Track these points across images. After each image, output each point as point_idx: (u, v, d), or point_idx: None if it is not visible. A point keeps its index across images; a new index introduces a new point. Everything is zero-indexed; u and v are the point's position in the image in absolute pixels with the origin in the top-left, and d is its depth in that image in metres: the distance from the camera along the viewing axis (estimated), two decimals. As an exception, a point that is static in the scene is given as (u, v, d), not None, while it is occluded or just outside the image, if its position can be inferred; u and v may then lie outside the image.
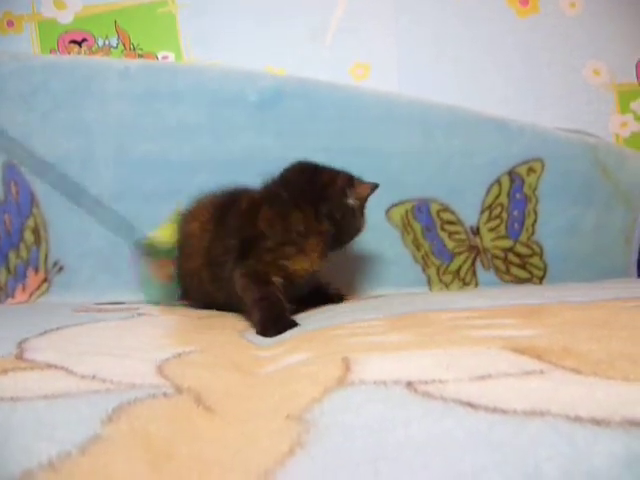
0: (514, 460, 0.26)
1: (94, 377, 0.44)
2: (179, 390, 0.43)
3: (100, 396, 0.39)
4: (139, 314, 0.94)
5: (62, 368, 0.47)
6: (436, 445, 0.28)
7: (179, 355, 0.58)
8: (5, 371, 0.44)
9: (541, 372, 0.42)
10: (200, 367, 0.54)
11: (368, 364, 0.47)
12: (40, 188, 1.35)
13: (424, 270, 1.49)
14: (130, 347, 0.60)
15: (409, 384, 0.40)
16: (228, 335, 0.78)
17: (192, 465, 0.30)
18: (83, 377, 0.44)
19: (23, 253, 1.32)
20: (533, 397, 0.35)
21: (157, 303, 1.17)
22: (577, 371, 0.42)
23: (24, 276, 1.31)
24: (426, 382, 0.40)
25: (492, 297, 1.08)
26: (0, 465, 0.28)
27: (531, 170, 1.53)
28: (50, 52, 1.56)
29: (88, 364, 0.49)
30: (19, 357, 0.51)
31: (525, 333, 0.60)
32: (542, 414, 0.31)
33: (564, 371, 0.42)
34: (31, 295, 1.30)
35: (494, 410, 0.33)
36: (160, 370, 0.50)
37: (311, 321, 0.90)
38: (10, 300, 1.28)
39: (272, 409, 0.40)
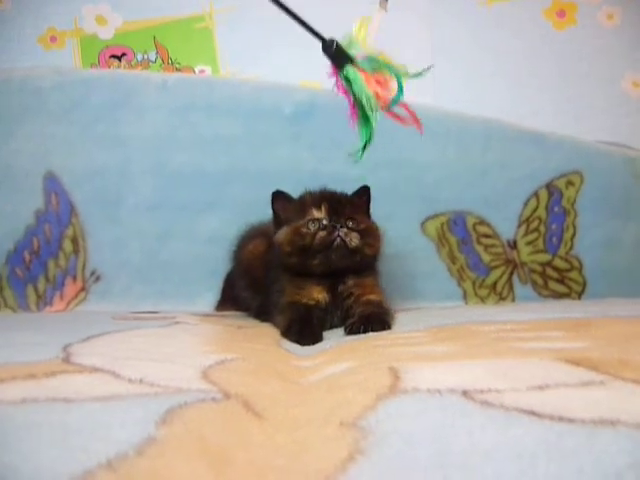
0: (592, 469, 0.25)
1: (141, 381, 0.44)
2: (227, 395, 0.43)
3: (150, 399, 0.39)
4: (176, 322, 0.94)
5: (109, 372, 0.47)
6: (505, 453, 0.27)
7: (222, 362, 0.58)
8: (54, 373, 0.44)
9: (601, 383, 0.40)
10: (244, 374, 0.53)
11: (418, 373, 0.46)
12: (79, 199, 1.37)
13: (459, 284, 1.46)
14: (172, 353, 0.60)
15: (465, 393, 0.39)
16: (267, 344, 0.78)
17: (250, 470, 0.29)
18: (131, 381, 0.44)
19: (62, 262, 1.34)
20: (599, 407, 0.33)
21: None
22: (638, 382, 0.40)
23: (62, 285, 1.32)
24: (482, 391, 0.39)
25: (533, 311, 1.06)
26: (60, 464, 0.27)
27: (570, 183, 1.50)
28: (91, 67, 1.60)
29: (134, 368, 0.49)
30: (66, 360, 0.51)
31: (575, 345, 0.59)
32: (612, 423, 0.30)
33: (624, 382, 0.40)
34: (69, 303, 1.31)
35: (560, 419, 0.31)
36: (205, 376, 0.49)
37: (341, 333, 0.89)
38: (48, 308, 1.30)
39: (322, 416, 0.39)
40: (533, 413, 0.32)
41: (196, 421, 0.35)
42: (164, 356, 0.58)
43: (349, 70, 0.74)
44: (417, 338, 0.73)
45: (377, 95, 0.75)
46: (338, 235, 0.94)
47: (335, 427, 0.36)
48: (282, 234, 0.99)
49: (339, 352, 0.69)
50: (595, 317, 0.85)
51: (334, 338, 0.85)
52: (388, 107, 0.75)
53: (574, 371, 0.44)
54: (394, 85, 0.75)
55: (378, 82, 0.76)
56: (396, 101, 0.73)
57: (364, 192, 1.08)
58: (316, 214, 0.97)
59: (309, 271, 0.96)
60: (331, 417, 0.38)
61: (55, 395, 0.37)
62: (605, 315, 0.88)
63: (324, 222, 0.96)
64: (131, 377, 0.45)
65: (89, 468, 0.27)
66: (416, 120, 0.77)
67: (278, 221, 1.03)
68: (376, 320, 0.86)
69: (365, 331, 0.83)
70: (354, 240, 0.95)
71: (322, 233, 0.95)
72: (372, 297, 0.97)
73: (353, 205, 1.02)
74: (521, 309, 1.12)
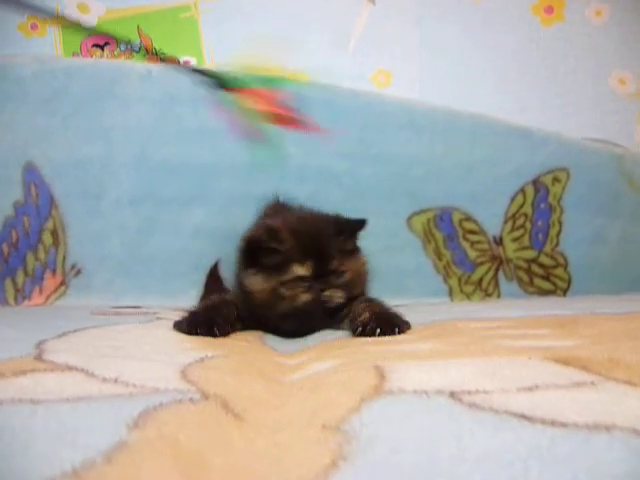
0: (587, 477, 0.24)
1: (116, 380, 0.42)
2: (205, 396, 0.41)
3: (124, 400, 0.37)
4: (158, 318, 0.92)
5: (82, 370, 0.45)
6: (495, 460, 0.26)
7: (202, 360, 0.56)
8: (24, 372, 0.42)
9: (592, 384, 0.39)
10: (224, 372, 0.52)
11: (404, 372, 0.45)
12: (60, 191, 1.34)
13: (445, 280, 1.46)
14: (151, 351, 0.58)
15: (453, 394, 0.37)
16: (249, 341, 0.76)
17: (227, 477, 0.28)
18: (105, 380, 0.42)
19: (41, 255, 1.31)
20: (592, 410, 0.32)
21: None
22: (631, 383, 0.39)
23: (41, 278, 1.30)
24: (470, 392, 0.38)
25: (519, 307, 1.05)
26: (20, 473, 0.25)
27: (556, 180, 1.50)
28: (73, 56, 1.56)
29: (109, 367, 0.47)
30: (38, 358, 0.49)
31: (564, 344, 0.58)
32: (607, 428, 0.29)
33: (616, 383, 0.39)
34: (48, 297, 1.29)
35: (553, 423, 0.30)
36: (184, 375, 0.47)
37: (332, 331, 0.87)
38: (27, 302, 1.27)
39: (305, 418, 0.38)
40: (524, 417, 0.31)
41: (171, 424, 0.33)
42: (142, 354, 0.56)
43: (226, 95, 0.72)
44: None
45: (261, 111, 0.72)
46: (322, 299, 0.85)
47: (317, 430, 0.34)
48: (256, 284, 0.87)
49: (325, 349, 0.67)
50: (582, 314, 0.84)
51: (319, 336, 0.83)
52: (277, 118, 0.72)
53: (564, 371, 0.43)
54: (276, 95, 0.72)
55: (258, 96, 0.73)
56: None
57: (356, 227, 0.98)
58: (299, 271, 0.85)
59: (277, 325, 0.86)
60: (314, 419, 0.37)
61: (21, 396, 0.35)
62: (592, 312, 0.87)
63: (307, 283, 0.85)
64: (105, 376, 0.43)
65: (52, 477, 0.25)
66: (310, 125, 0.75)
67: (252, 258, 0.89)
68: (387, 322, 0.75)
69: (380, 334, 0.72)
70: (338, 299, 0.86)
71: (305, 296, 0.85)
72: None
73: (340, 250, 0.90)
74: (507, 306, 1.11)
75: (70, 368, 0.45)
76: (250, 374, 0.54)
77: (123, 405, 0.35)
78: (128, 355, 0.54)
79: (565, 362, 0.46)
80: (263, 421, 0.39)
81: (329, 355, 0.62)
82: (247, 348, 0.70)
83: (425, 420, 0.33)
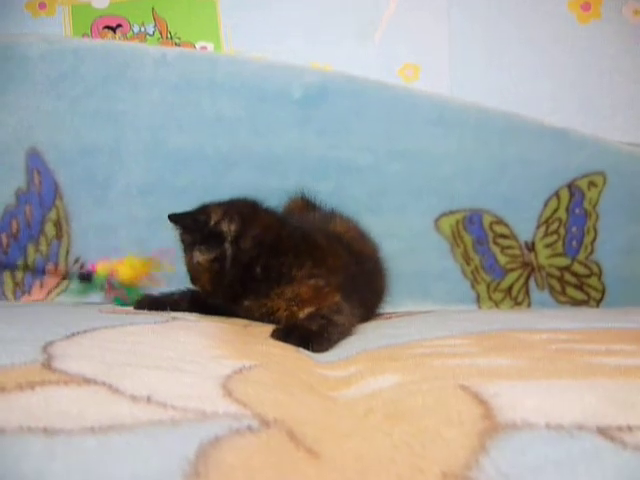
0: None
1: (149, 400, 0.33)
2: (265, 422, 0.32)
3: (168, 431, 0.28)
4: (173, 318, 0.82)
5: (104, 384, 0.35)
6: None
7: (240, 371, 0.47)
8: (31, 385, 0.33)
9: None
10: (272, 388, 0.43)
11: (509, 397, 0.35)
12: (65, 179, 1.25)
13: (473, 286, 1.36)
14: (178, 358, 0.49)
15: (601, 431, 0.28)
16: (282, 348, 0.67)
17: None
18: (135, 399, 0.33)
19: (43, 247, 1.22)
20: None
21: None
22: None
23: (42, 272, 1.20)
24: (620, 428, 0.29)
25: (566, 318, 0.96)
26: None
27: (592, 184, 1.40)
28: (83, 37, 1.47)
29: (135, 379, 0.38)
30: (47, 366, 0.39)
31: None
32: None
33: None
34: (49, 293, 1.19)
35: None
36: (227, 391, 0.38)
37: (361, 337, 0.78)
38: (26, 297, 1.18)
39: (405, 458, 0.28)
40: None
41: (239, 469, 0.24)
42: (169, 362, 0.47)
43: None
44: (461, 347, 0.62)
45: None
46: None
47: (436, 479, 0.25)
48: None
49: (372, 360, 0.58)
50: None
51: (355, 342, 0.74)
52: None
53: None
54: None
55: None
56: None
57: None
58: None
59: None
60: (420, 461, 0.27)
61: (31, 423, 0.26)
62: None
63: None
64: (134, 393, 0.34)
65: None
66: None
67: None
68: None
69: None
70: None
71: None
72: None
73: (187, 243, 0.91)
74: (552, 316, 1.02)
75: (88, 381, 0.36)
76: (299, 389, 0.45)
77: (170, 439, 0.26)
78: (153, 364, 0.45)
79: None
80: (342, 458, 0.30)
81: (383, 368, 0.53)
82: (282, 356, 0.61)
83: (591, 469, 0.24)
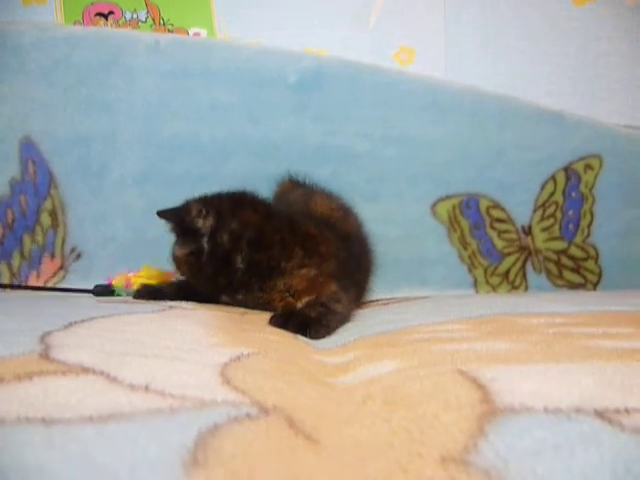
0: None
1: (147, 388, 0.33)
2: (264, 410, 0.32)
3: (166, 419, 0.28)
4: (170, 307, 0.82)
5: (102, 374, 0.35)
6: None
7: (238, 358, 0.47)
8: (29, 375, 0.33)
9: None
10: (270, 375, 0.43)
11: (506, 381, 0.36)
12: (59, 168, 1.24)
13: (470, 271, 1.37)
14: (176, 347, 0.49)
15: (599, 414, 0.28)
16: (280, 334, 0.67)
17: None
18: (133, 388, 0.33)
19: (39, 237, 1.21)
20: None
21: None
22: None
23: (39, 262, 1.20)
24: (618, 411, 0.29)
25: (566, 302, 0.96)
26: None
27: (588, 167, 1.40)
28: (74, 24, 1.45)
29: (133, 368, 0.38)
30: (45, 356, 0.39)
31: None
32: None
33: None
34: (46, 283, 1.19)
35: None
36: (226, 379, 0.38)
37: (359, 324, 0.78)
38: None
39: (403, 443, 0.28)
40: None
41: (239, 457, 0.24)
42: (167, 351, 0.46)
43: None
44: (459, 332, 0.62)
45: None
46: None
47: (435, 463, 0.25)
48: None
49: (371, 346, 0.58)
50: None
51: (353, 328, 0.75)
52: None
53: None
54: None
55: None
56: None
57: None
58: None
59: None
60: (419, 446, 0.27)
61: (29, 413, 0.26)
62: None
63: None
64: (133, 381, 0.33)
65: None
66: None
67: None
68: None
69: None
70: None
71: None
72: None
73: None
74: (550, 299, 1.02)
75: (86, 370, 0.36)
76: (298, 376, 0.45)
77: (168, 427, 0.26)
78: (152, 352, 0.45)
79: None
80: (341, 444, 0.30)
81: (381, 354, 0.53)
82: (280, 343, 0.61)
83: (589, 453, 0.24)
